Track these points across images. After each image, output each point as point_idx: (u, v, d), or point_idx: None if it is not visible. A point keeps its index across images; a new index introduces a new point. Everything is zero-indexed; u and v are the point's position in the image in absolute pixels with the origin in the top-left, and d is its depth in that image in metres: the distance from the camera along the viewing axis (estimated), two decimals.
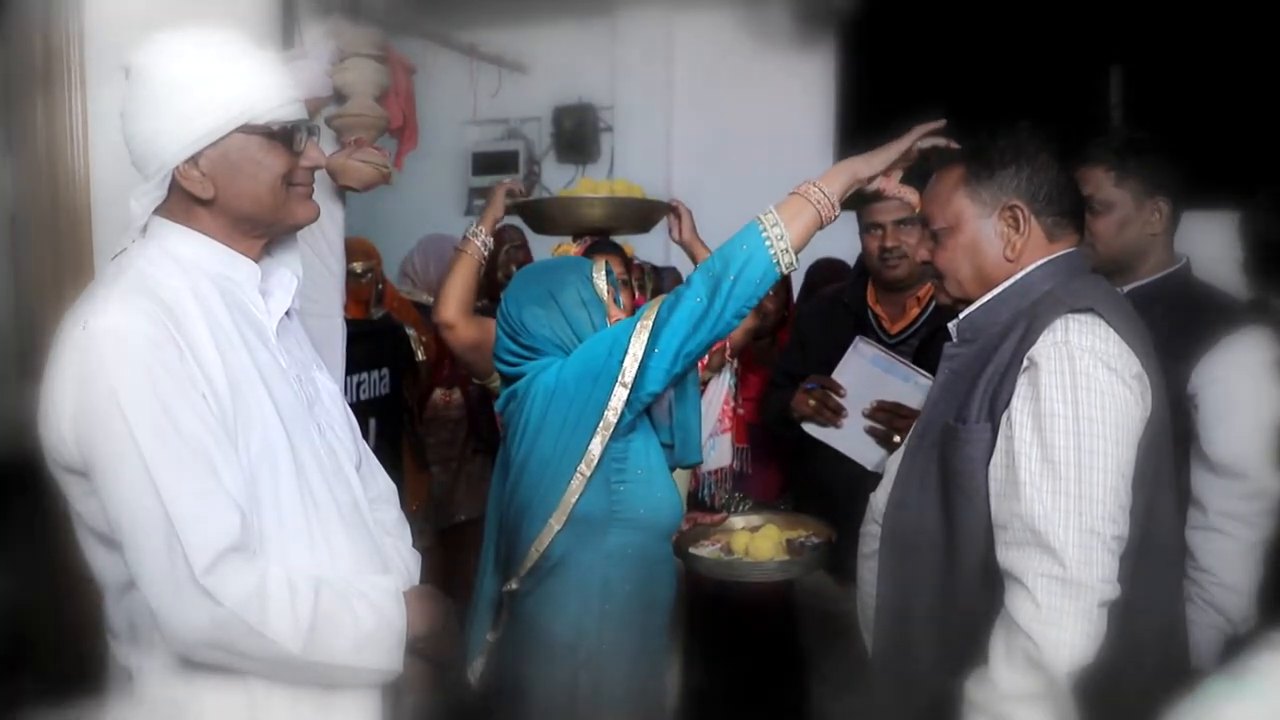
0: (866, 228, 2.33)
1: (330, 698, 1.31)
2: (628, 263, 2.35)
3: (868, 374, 2.24)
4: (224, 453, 1.22)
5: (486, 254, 2.29)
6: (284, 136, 1.33)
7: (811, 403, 2.26)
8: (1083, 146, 1.92)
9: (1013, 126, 1.53)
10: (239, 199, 1.31)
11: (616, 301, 1.85)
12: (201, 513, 1.18)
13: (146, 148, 1.29)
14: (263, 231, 1.37)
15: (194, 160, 1.28)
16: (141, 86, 1.28)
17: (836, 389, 2.26)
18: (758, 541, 2.11)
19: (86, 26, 1.87)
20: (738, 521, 2.27)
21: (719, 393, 2.55)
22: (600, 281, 1.80)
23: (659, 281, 3.72)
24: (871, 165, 1.62)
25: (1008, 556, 1.34)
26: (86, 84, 1.88)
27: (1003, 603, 1.34)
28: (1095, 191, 1.87)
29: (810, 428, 2.29)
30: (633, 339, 1.62)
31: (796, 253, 1.57)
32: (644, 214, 2.40)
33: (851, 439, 2.23)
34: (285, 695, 1.28)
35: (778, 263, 1.57)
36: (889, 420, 2.17)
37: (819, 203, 1.57)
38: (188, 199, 1.30)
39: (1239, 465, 1.74)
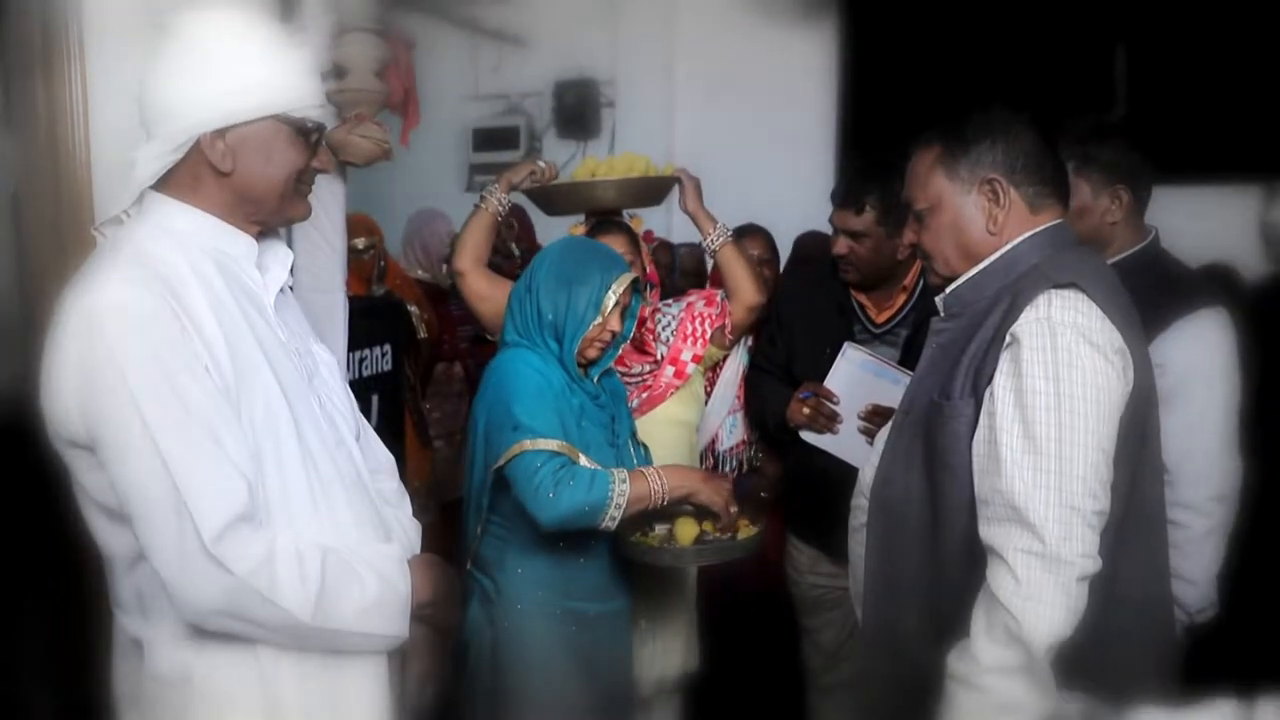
0: (835, 230, 2.36)
1: (338, 664, 1.34)
2: (636, 240, 2.35)
3: (858, 379, 2.30)
4: (228, 424, 1.24)
5: (503, 212, 2.31)
6: (308, 136, 1.36)
7: (806, 411, 2.31)
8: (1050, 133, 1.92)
9: (986, 104, 1.52)
10: (253, 180, 1.33)
11: (625, 320, 1.95)
12: (209, 483, 1.20)
13: (173, 108, 1.29)
14: (260, 219, 1.39)
15: (221, 133, 1.29)
16: (184, 49, 1.30)
17: (830, 397, 2.31)
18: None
19: (86, 3, 1.86)
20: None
21: (735, 370, 2.55)
22: (611, 298, 1.88)
23: (670, 256, 3.69)
24: (709, 497, 1.85)
25: (989, 532, 1.35)
26: (87, 60, 1.88)
27: (984, 577, 1.35)
28: None
29: (807, 434, 2.34)
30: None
31: (621, 513, 1.76)
32: (653, 189, 2.40)
33: (846, 443, 2.28)
34: (293, 663, 1.30)
35: (607, 508, 1.74)
36: (883, 424, 2.18)
37: (656, 492, 1.80)
38: (199, 169, 1.31)
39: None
